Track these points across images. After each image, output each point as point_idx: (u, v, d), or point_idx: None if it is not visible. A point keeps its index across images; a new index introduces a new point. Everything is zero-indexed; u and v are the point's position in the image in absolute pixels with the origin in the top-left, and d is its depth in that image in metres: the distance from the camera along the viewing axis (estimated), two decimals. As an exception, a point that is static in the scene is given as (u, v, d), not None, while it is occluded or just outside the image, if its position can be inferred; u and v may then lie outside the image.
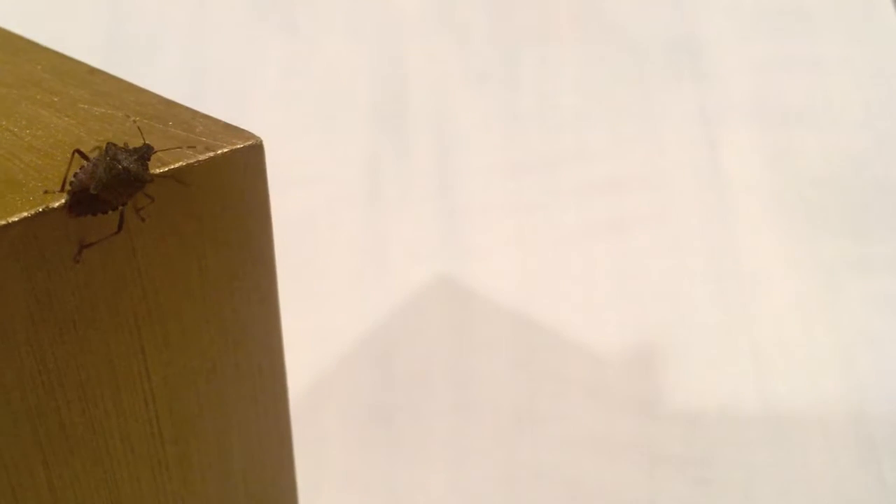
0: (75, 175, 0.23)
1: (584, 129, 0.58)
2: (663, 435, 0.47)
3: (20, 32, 0.32)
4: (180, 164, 0.24)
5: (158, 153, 0.24)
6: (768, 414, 0.47)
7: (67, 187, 0.23)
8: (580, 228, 0.54)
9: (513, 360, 0.49)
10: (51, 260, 0.23)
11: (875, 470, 0.45)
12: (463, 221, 0.54)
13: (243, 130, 0.25)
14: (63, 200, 0.22)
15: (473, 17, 0.62)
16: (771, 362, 0.49)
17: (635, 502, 0.45)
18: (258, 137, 0.25)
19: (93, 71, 0.28)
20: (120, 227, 0.23)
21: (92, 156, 0.23)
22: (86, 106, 0.26)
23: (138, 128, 0.25)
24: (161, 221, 0.24)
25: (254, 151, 0.25)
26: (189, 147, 0.24)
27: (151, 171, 0.23)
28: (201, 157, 0.24)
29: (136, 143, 0.24)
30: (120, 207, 0.23)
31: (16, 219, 0.22)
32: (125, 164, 0.23)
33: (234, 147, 0.25)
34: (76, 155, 0.23)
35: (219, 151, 0.25)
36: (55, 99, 0.26)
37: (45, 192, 0.23)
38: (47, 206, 0.22)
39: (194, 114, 0.26)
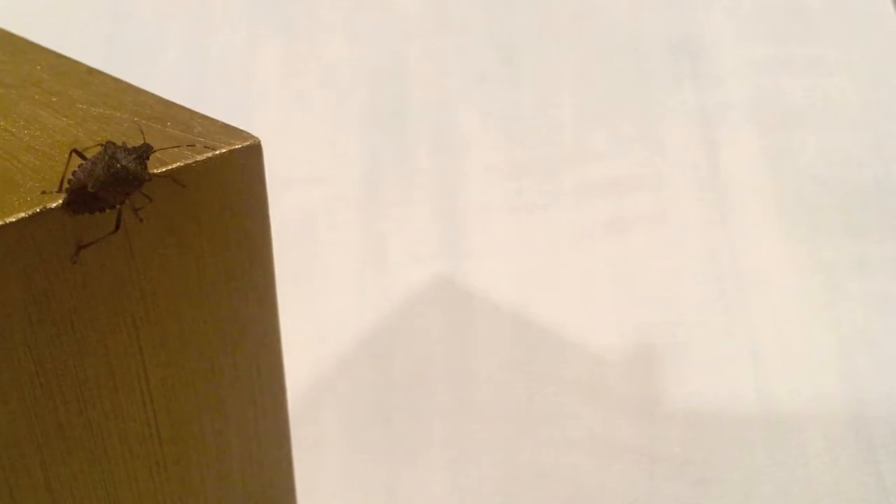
0: (74, 173, 0.23)
1: (584, 129, 0.58)
2: (663, 435, 0.47)
3: (19, 32, 0.32)
4: (178, 164, 0.24)
5: (157, 153, 0.24)
6: (768, 414, 0.47)
7: (65, 187, 0.23)
8: (580, 228, 0.54)
9: (512, 360, 0.49)
10: (48, 260, 0.23)
11: (874, 470, 0.45)
12: (463, 221, 0.54)
13: (241, 131, 0.26)
14: (60, 201, 0.22)
15: (473, 16, 0.62)
16: (771, 362, 0.49)
17: (635, 503, 0.45)
18: (256, 138, 0.25)
19: (91, 71, 0.29)
20: (117, 227, 0.23)
21: (90, 156, 0.23)
22: (84, 106, 0.26)
23: (139, 128, 0.25)
24: (159, 222, 0.24)
25: (252, 152, 0.25)
26: (188, 147, 0.24)
27: (150, 172, 0.23)
28: (199, 158, 0.24)
29: (135, 142, 0.24)
30: (118, 206, 0.23)
31: (13, 219, 0.22)
32: (124, 163, 0.23)
33: (233, 147, 0.25)
34: (74, 155, 0.23)
35: (217, 152, 0.25)
36: (54, 99, 0.26)
37: (43, 192, 0.23)
38: (44, 207, 0.22)
39: (192, 114, 0.26)
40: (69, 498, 0.26)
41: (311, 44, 0.61)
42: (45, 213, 0.22)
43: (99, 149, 0.23)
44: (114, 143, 0.23)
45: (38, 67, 0.28)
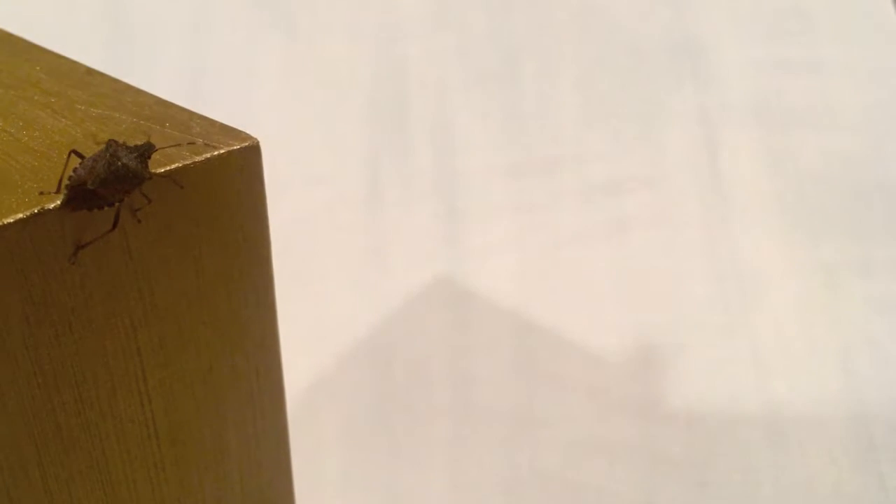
0: (75, 170, 0.23)
1: (584, 130, 0.58)
2: (663, 436, 0.47)
3: (18, 33, 0.32)
4: (177, 165, 0.24)
5: (156, 154, 0.24)
6: (768, 414, 0.47)
7: (63, 187, 0.23)
8: (580, 229, 0.54)
9: (512, 361, 0.49)
10: (46, 261, 0.23)
11: (875, 471, 0.45)
12: (463, 222, 0.54)
13: (240, 131, 0.25)
14: (58, 202, 0.22)
15: (474, 16, 0.62)
16: (771, 363, 0.49)
17: (635, 503, 0.45)
18: (255, 138, 0.25)
19: (91, 72, 0.28)
20: (115, 225, 0.23)
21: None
22: (83, 107, 0.26)
23: (141, 128, 0.25)
24: (157, 222, 0.24)
25: (251, 152, 0.25)
26: (187, 147, 0.24)
27: (150, 171, 0.23)
28: (198, 159, 0.24)
29: (137, 140, 0.24)
30: (116, 204, 0.23)
31: (11, 220, 0.22)
32: (125, 161, 0.23)
33: (231, 148, 0.25)
34: (72, 156, 0.23)
35: (215, 152, 0.25)
36: (52, 100, 0.26)
37: (41, 193, 0.23)
38: (43, 208, 0.22)
39: (191, 115, 0.26)
40: (67, 499, 0.26)
41: (311, 44, 0.61)
42: (43, 213, 0.22)
43: (98, 149, 0.23)
44: (116, 141, 0.23)
45: (37, 68, 0.28)
